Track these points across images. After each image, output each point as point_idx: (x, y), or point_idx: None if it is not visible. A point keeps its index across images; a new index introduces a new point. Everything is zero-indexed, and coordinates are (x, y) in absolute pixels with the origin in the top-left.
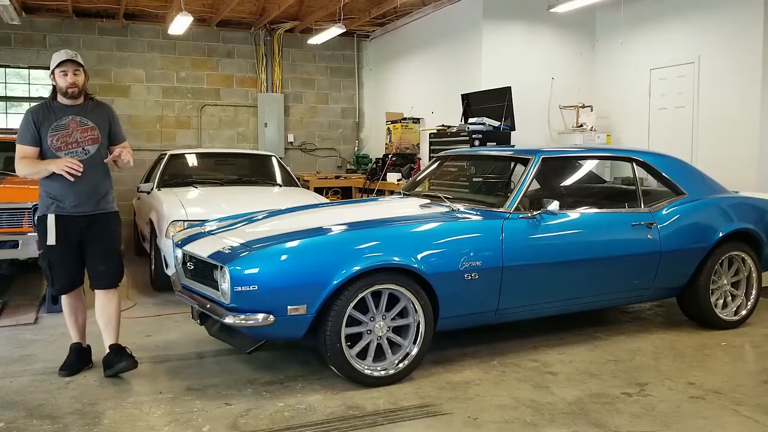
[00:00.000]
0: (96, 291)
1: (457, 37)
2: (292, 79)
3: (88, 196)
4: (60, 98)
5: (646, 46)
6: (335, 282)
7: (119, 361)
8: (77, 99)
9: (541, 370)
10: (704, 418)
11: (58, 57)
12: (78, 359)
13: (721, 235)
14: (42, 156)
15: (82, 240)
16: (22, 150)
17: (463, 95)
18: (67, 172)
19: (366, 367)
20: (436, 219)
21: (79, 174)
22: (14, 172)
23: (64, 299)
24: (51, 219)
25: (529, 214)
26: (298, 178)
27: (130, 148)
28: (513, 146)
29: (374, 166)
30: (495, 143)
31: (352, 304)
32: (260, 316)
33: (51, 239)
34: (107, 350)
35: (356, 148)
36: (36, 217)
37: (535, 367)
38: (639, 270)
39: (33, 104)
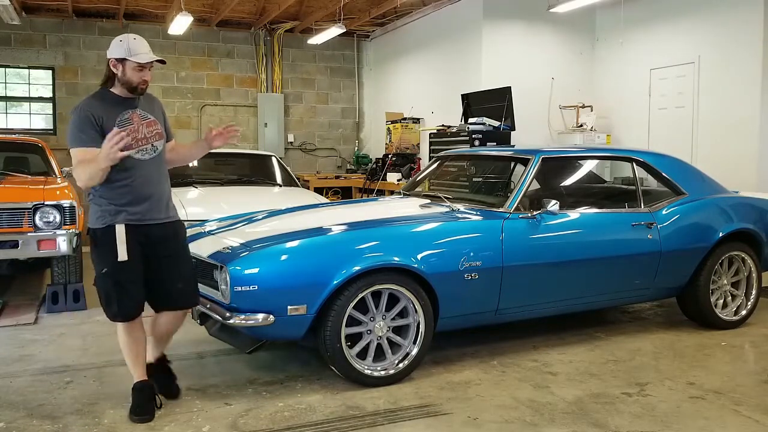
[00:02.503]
0: (165, 311)
1: (457, 37)
2: (292, 79)
3: (158, 200)
4: (116, 89)
5: (646, 46)
6: (335, 282)
7: (166, 385)
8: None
9: (541, 370)
10: (704, 418)
11: (138, 48)
12: (150, 398)
13: (721, 235)
14: None
15: (150, 254)
16: (82, 154)
17: (463, 95)
18: (118, 149)
19: (366, 367)
20: (436, 219)
21: (128, 142)
22: (14, 172)
23: (127, 329)
24: (121, 230)
25: (529, 214)
26: (298, 178)
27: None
28: (513, 146)
29: (374, 166)
30: (495, 143)
31: (352, 304)
32: (260, 316)
33: (122, 254)
34: (152, 360)
35: (356, 148)
36: (93, 231)
37: (535, 367)
38: (639, 270)
39: (82, 101)
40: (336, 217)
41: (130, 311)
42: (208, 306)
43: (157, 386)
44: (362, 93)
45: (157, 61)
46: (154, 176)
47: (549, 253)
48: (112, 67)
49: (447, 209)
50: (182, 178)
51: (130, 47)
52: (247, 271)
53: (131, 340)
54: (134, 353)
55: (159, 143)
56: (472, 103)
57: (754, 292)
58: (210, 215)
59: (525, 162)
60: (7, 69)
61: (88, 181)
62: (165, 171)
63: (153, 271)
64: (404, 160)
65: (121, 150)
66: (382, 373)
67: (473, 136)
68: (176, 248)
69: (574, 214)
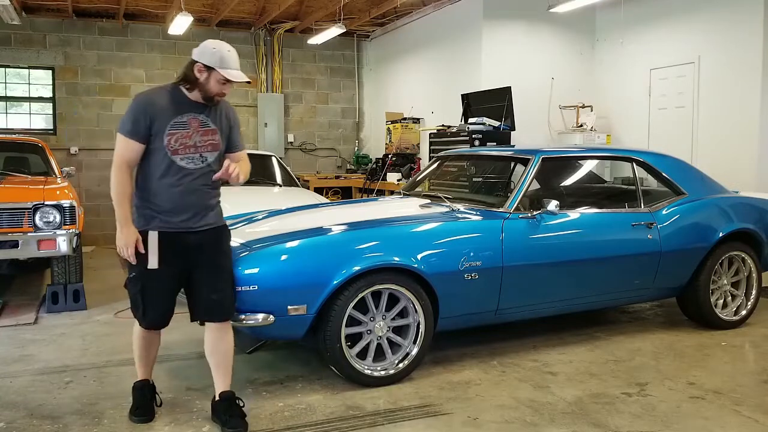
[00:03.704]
0: (206, 324)
1: (457, 37)
2: (292, 79)
3: (198, 209)
4: (188, 91)
5: (646, 46)
6: (335, 282)
7: (228, 422)
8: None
9: (541, 370)
10: (704, 418)
11: (230, 63)
12: (151, 397)
13: (721, 235)
14: (151, 157)
15: (188, 263)
16: (122, 142)
17: (463, 95)
18: (120, 251)
19: (366, 367)
20: (436, 219)
21: (131, 260)
22: (14, 172)
23: (142, 331)
24: (154, 237)
25: (529, 214)
26: (298, 178)
27: (247, 160)
28: (513, 146)
29: (374, 166)
30: (495, 143)
31: (352, 304)
32: (260, 316)
33: (153, 261)
34: (217, 396)
35: (356, 148)
36: None
37: (535, 367)
38: (639, 270)
39: (149, 89)
40: (336, 217)
41: (152, 321)
42: None
43: (219, 422)
44: (362, 93)
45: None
46: (197, 187)
47: (549, 253)
48: (196, 71)
49: (447, 209)
50: None
51: (222, 58)
52: (247, 271)
53: (146, 343)
54: (144, 352)
55: (210, 155)
56: (472, 103)
57: (754, 292)
58: None
59: (525, 162)
60: (7, 69)
61: (112, 191)
62: (213, 181)
63: (192, 279)
64: (404, 160)
65: (171, 152)
66: (382, 373)
67: (473, 136)
68: (214, 256)
69: (574, 214)
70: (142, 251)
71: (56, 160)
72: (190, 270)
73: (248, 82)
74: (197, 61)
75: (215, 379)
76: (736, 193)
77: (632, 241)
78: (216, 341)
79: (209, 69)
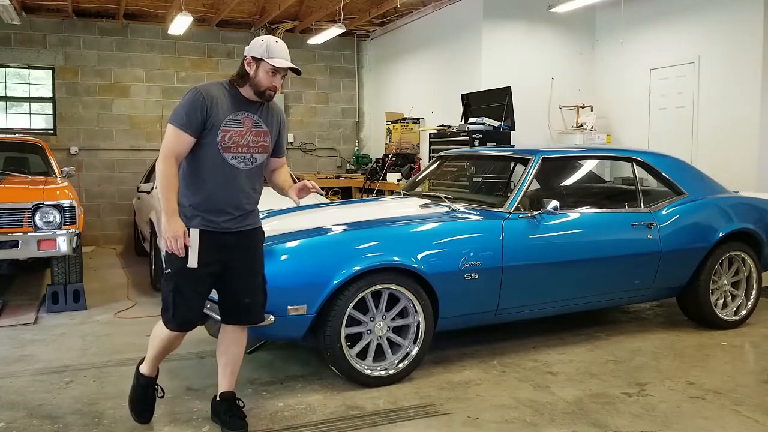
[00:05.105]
0: (225, 324)
1: (457, 37)
2: (292, 78)
3: (242, 210)
4: (243, 89)
5: (646, 46)
6: (335, 282)
7: (228, 422)
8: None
9: (541, 370)
10: (704, 418)
11: (276, 52)
12: (152, 399)
13: (721, 235)
14: (201, 152)
15: (224, 264)
16: (174, 134)
17: (463, 95)
18: (167, 244)
19: (366, 367)
20: (436, 219)
21: (180, 253)
22: (14, 172)
23: (168, 333)
24: (195, 234)
25: (529, 214)
26: (298, 178)
27: (288, 169)
28: (513, 146)
29: (374, 166)
30: (495, 143)
31: (352, 304)
32: None
33: (194, 260)
34: (217, 396)
35: (356, 148)
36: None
37: (535, 367)
38: (639, 270)
39: (205, 83)
40: (336, 217)
41: (183, 323)
42: (208, 306)
43: (219, 423)
44: (362, 93)
45: (292, 70)
46: (244, 187)
47: (549, 253)
48: (246, 65)
49: (447, 209)
50: None
51: (269, 48)
52: None
53: (168, 345)
54: (162, 349)
55: (260, 156)
56: (472, 103)
57: (754, 292)
58: None
59: (525, 162)
60: (7, 69)
61: (158, 184)
62: (258, 183)
63: (225, 280)
64: (404, 160)
65: (224, 149)
66: (382, 373)
67: (473, 136)
68: (248, 257)
69: (574, 214)
70: (189, 245)
71: (56, 160)
72: (223, 271)
73: (298, 72)
74: (246, 56)
75: (220, 379)
76: (736, 193)
77: (632, 241)
78: (231, 342)
79: (257, 60)
